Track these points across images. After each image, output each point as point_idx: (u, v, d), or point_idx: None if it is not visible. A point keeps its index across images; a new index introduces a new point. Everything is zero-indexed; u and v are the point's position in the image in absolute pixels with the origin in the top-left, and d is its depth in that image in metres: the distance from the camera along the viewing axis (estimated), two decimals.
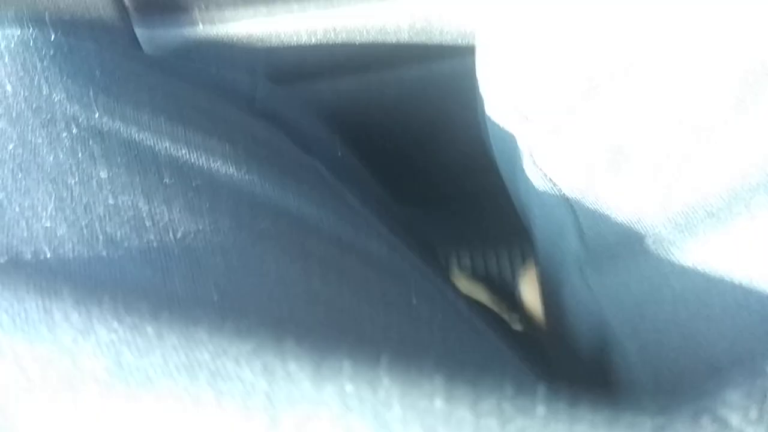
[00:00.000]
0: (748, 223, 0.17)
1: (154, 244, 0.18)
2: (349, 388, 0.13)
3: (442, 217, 0.57)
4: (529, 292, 0.58)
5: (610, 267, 0.22)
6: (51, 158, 0.19)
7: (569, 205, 0.24)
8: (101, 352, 0.14)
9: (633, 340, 0.21)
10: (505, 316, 0.58)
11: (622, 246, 0.22)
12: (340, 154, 0.31)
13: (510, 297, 0.60)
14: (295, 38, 0.38)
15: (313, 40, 0.38)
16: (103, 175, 0.19)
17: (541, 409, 0.13)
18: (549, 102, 0.25)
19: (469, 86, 0.33)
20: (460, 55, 0.38)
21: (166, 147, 0.21)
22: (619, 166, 0.21)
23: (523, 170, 0.28)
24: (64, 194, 0.18)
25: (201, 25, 0.37)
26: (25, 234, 0.17)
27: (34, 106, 0.21)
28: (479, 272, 0.62)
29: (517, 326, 0.58)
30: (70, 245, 0.17)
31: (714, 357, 0.18)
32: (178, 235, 0.18)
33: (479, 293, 0.61)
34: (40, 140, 0.20)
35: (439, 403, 0.13)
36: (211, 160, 0.22)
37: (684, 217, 0.19)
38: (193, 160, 0.21)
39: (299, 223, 0.21)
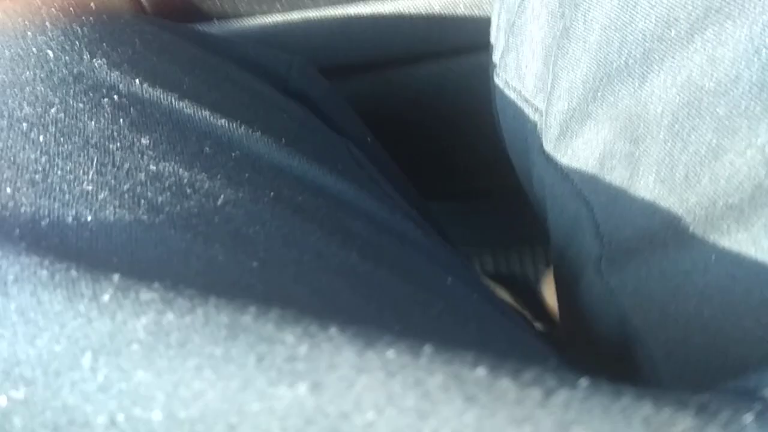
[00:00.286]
0: None
1: (195, 211, 0.17)
2: (390, 354, 0.13)
3: (463, 215, 0.56)
4: (552, 293, 0.57)
5: (627, 263, 0.22)
6: (92, 124, 0.19)
7: (583, 199, 0.24)
8: (141, 310, 0.14)
9: (656, 337, 0.21)
10: (526, 316, 0.58)
11: (639, 241, 0.21)
12: (369, 139, 0.30)
13: (533, 298, 0.59)
14: (309, 35, 0.38)
15: (328, 38, 0.38)
16: (144, 141, 0.19)
17: (584, 381, 0.13)
18: (562, 94, 0.25)
19: (485, 83, 0.33)
20: (476, 52, 0.38)
21: (205, 116, 0.21)
22: (635, 157, 0.21)
23: (535, 164, 0.28)
24: (106, 159, 0.18)
25: (216, 23, 0.37)
26: (67, 197, 0.17)
27: (75, 72, 0.21)
28: (501, 272, 0.62)
29: (538, 326, 0.57)
30: (112, 209, 0.17)
31: (740, 355, 0.18)
32: (219, 203, 0.18)
33: (501, 294, 0.60)
34: (81, 105, 0.20)
35: (481, 371, 0.13)
36: (249, 133, 0.21)
37: (703, 209, 0.18)
38: (232, 131, 0.21)
39: (336, 201, 0.21)
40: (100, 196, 0.17)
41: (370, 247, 0.20)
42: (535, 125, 0.28)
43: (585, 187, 0.24)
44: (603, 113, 0.22)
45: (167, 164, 0.19)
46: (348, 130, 0.29)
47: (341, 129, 0.29)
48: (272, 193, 0.19)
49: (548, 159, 0.26)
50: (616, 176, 0.22)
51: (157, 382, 0.13)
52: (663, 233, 0.20)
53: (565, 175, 0.25)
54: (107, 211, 0.17)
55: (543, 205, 0.28)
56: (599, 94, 0.22)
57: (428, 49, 0.39)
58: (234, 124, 0.21)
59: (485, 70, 0.33)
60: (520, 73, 0.29)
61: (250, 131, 0.21)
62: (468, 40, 0.38)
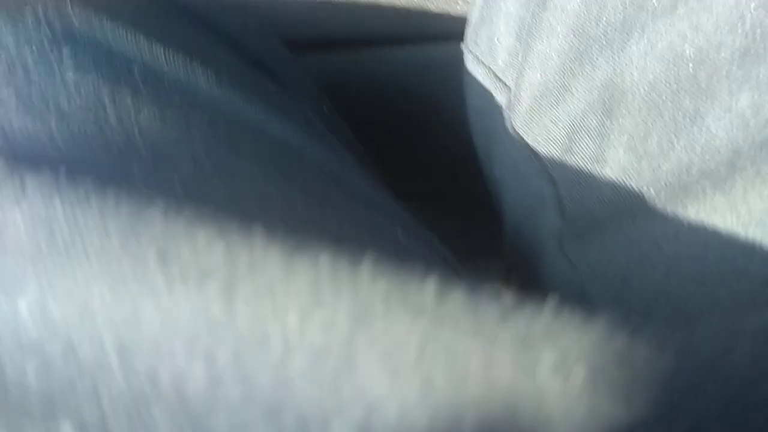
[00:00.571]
0: (753, 179, 0.16)
1: (115, 133, 0.15)
2: (324, 259, 0.11)
3: (426, 217, 0.54)
4: None
5: (591, 235, 0.21)
6: (8, 34, 0.17)
7: (548, 175, 0.23)
8: (23, 196, 0.11)
9: (616, 311, 0.20)
10: None
11: (606, 213, 0.20)
12: (327, 111, 0.29)
13: None
14: (288, 6, 0.36)
15: (307, 11, 0.37)
16: (65, 52, 0.17)
17: (551, 301, 0.11)
18: (535, 66, 0.24)
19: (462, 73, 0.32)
20: (456, 39, 0.37)
21: (139, 40, 0.19)
22: (606, 129, 0.20)
23: (501, 142, 0.27)
24: (16, 64, 0.16)
25: None
26: None
27: (4, 4, 0.19)
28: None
29: None
30: (14, 112, 0.15)
31: (701, 336, 0.17)
32: (144, 132, 0.16)
33: None
34: (10, 38, 0.18)
35: (431, 284, 0.11)
36: (190, 78, 0.20)
37: (676, 177, 0.18)
38: (170, 74, 0.19)
39: (282, 147, 0.19)
40: (9, 104, 0.15)
41: (315, 193, 0.18)
42: (503, 102, 0.27)
43: (550, 163, 0.23)
44: (577, 85, 0.22)
45: (91, 93, 0.17)
46: (306, 100, 0.27)
47: (298, 96, 0.27)
48: (209, 132, 0.17)
49: (514, 136, 0.25)
50: (585, 150, 0.21)
51: (28, 272, 0.10)
52: (631, 204, 0.19)
53: (530, 151, 0.24)
54: (9, 110, 0.15)
55: (503, 185, 0.27)
56: (575, 65, 0.22)
57: (409, 32, 0.38)
58: (173, 69, 0.19)
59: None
60: (491, 47, 0.28)
61: (190, 77, 0.20)
62: (451, 27, 0.37)
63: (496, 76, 0.27)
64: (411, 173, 0.46)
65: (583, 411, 0.09)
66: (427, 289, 0.11)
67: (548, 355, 0.10)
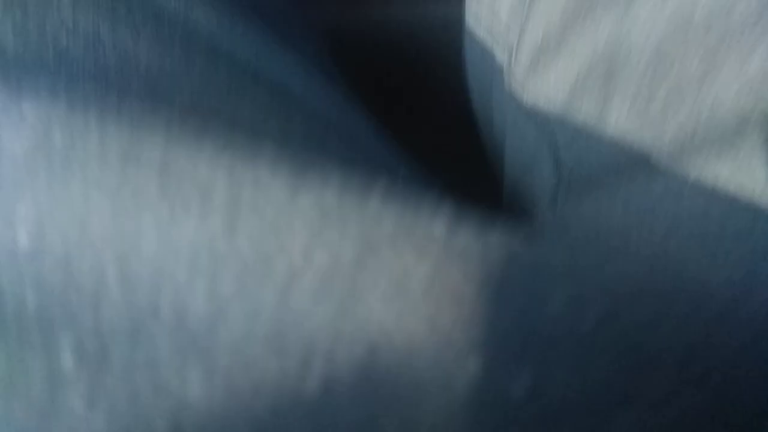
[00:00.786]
0: (760, 147, 0.16)
1: (113, 70, 0.15)
2: (329, 197, 0.11)
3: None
4: None
5: (588, 195, 0.21)
6: None
7: (546, 135, 0.23)
8: (22, 130, 0.11)
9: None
10: None
11: (604, 173, 0.20)
12: (327, 63, 0.28)
13: None
14: None
15: None
16: (68, 11, 0.17)
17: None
18: (538, 24, 0.24)
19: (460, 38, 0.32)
20: (455, 2, 0.37)
21: None
22: (608, 86, 0.20)
23: (498, 103, 0.27)
24: (14, 6, 0.16)
25: None
26: None
27: None
28: None
29: None
30: (11, 47, 0.14)
31: (708, 291, 0.17)
32: (143, 69, 0.16)
33: None
34: None
35: (439, 227, 0.11)
36: (189, 18, 0.19)
37: (680, 143, 0.18)
38: (169, 14, 0.19)
39: (282, 93, 0.19)
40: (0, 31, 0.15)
41: (314, 142, 0.17)
42: (503, 62, 0.27)
43: (549, 124, 0.23)
44: (580, 44, 0.21)
45: (87, 22, 0.16)
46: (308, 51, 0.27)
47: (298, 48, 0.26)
48: (208, 71, 0.17)
49: (513, 95, 0.25)
50: (584, 112, 0.21)
51: (26, 198, 0.10)
52: (631, 165, 0.19)
53: (529, 111, 0.24)
54: (7, 46, 0.14)
55: (501, 148, 0.27)
56: (578, 23, 0.21)
57: None
58: (174, 3, 0.19)
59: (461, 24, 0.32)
60: (492, 6, 0.27)
61: (190, 12, 0.19)
62: None
63: (496, 36, 0.27)
64: (410, 131, 0.45)
65: (595, 350, 0.09)
66: (435, 231, 0.11)
67: (560, 294, 0.10)
